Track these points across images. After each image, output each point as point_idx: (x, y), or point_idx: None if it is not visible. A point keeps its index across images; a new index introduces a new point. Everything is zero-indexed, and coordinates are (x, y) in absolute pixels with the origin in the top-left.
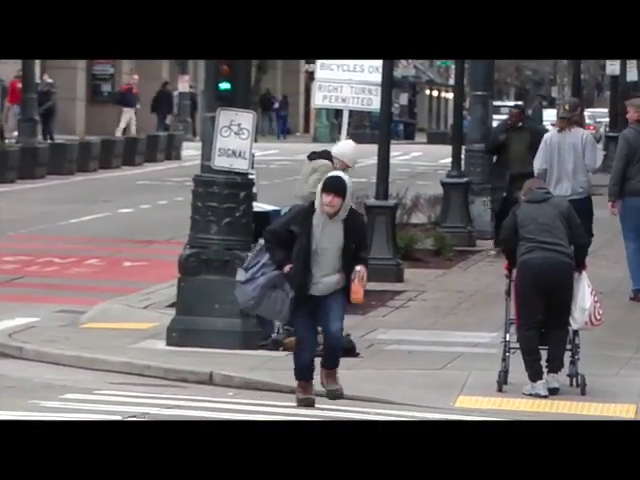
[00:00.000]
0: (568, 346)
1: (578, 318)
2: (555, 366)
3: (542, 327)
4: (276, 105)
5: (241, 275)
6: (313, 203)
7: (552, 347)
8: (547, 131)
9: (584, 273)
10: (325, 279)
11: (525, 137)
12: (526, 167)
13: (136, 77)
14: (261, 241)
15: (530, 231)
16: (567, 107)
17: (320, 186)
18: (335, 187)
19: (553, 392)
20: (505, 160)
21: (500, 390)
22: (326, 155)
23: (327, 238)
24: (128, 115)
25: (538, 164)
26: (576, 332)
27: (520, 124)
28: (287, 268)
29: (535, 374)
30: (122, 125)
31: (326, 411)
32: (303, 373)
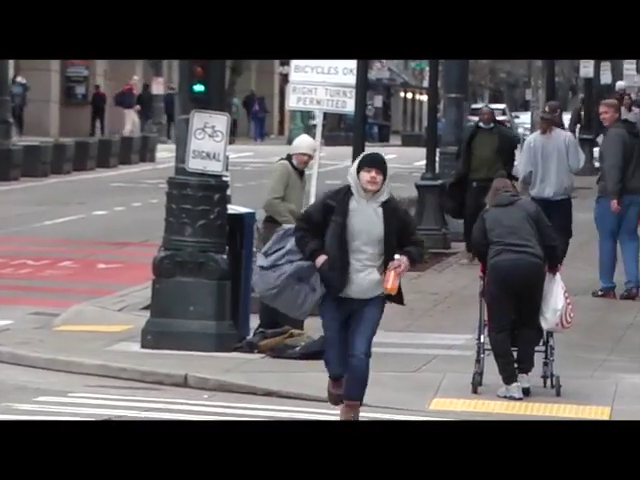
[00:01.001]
0: (542, 347)
1: (549, 319)
2: (526, 367)
3: (514, 328)
4: (256, 107)
5: (262, 260)
6: (349, 187)
7: (522, 347)
8: (518, 137)
9: (558, 275)
10: (361, 275)
11: (494, 140)
12: (494, 172)
13: (136, 78)
14: (285, 226)
15: (498, 234)
16: (547, 109)
17: (356, 165)
18: (375, 162)
19: (525, 392)
20: (469, 164)
21: (475, 392)
22: (289, 158)
23: (365, 222)
24: (131, 116)
25: (522, 167)
26: (550, 334)
27: (491, 125)
28: (322, 259)
29: (508, 377)
30: (128, 127)
31: (300, 413)
32: (331, 369)
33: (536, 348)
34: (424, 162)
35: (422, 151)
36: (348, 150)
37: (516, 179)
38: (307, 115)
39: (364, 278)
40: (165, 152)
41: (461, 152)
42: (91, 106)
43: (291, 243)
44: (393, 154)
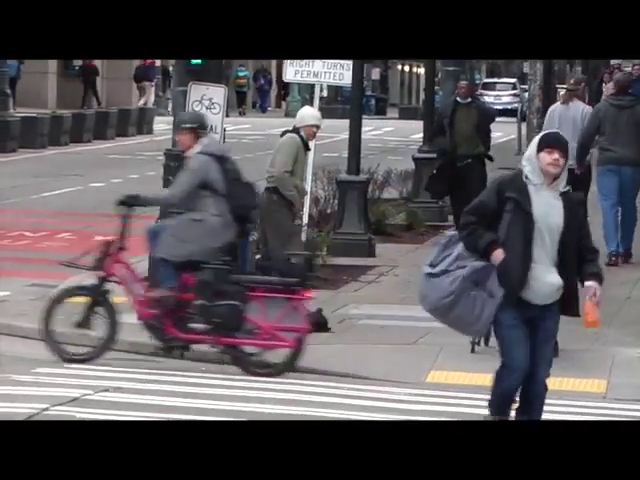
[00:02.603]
0: None
1: None
2: None
3: None
4: (261, 80)
5: (429, 269)
6: (521, 172)
7: None
8: (496, 113)
9: None
10: (541, 275)
11: (473, 116)
12: (473, 148)
13: None
14: (449, 232)
15: None
16: (572, 81)
17: (535, 146)
18: (558, 142)
19: None
20: (451, 139)
21: (472, 351)
22: (296, 131)
23: (544, 212)
24: (149, 89)
25: None
26: None
27: (469, 100)
28: (500, 252)
29: None
30: (144, 99)
31: (296, 385)
32: (502, 405)
33: None
34: (421, 135)
35: (419, 124)
36: (345, 123)
37: (491, 159)
38: (305, 88)
39: (544, 279)
40: (162, 124)
41: (445, 129)
42: (81, 78)
43: (458, 248)
44: (390, 127)
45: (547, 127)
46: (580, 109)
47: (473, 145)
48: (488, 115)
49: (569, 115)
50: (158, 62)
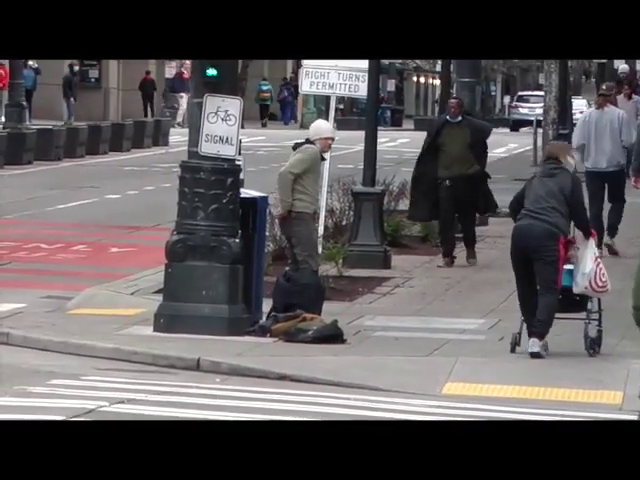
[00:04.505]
0: (584, 314)
1: (579, 282)
2: (537, 331)
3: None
4: (284, 93)
5: None
6: None
7: (537, 312)
8: (490, 128)
9: (591, 240)
10: None
11: (465, 135)
12: (467, 168)
13: (188, 62)
14: None
15: (529, 201)
16: (604, 87)
17: None
18: None
19: (535, 356)
20: (440, 159)
21: (513, 351)
22: (310, 144)
23: None
24: (185, 100)
25: (577, 140)
26: (590, 298)
27: (459, 118)
28: None
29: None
30: (181, 112)
31: (311, 397)
32: None
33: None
34: None
35: None
36: (360, 134)
37: (489, 177)
38: (320, 99)
39: None
40: (178, 136)
41: (437, 149)
42: (140, 91)
43: None
44: (406, 138)
45: (582, 132)
46: (616, 113)
47: (467, 165)
48: (482, 131)
49: (605, 120)
50: (187, 75)
